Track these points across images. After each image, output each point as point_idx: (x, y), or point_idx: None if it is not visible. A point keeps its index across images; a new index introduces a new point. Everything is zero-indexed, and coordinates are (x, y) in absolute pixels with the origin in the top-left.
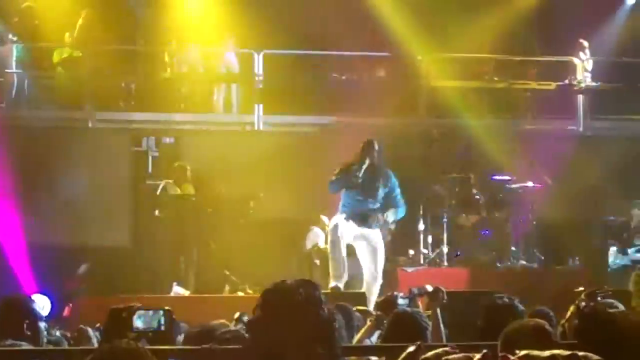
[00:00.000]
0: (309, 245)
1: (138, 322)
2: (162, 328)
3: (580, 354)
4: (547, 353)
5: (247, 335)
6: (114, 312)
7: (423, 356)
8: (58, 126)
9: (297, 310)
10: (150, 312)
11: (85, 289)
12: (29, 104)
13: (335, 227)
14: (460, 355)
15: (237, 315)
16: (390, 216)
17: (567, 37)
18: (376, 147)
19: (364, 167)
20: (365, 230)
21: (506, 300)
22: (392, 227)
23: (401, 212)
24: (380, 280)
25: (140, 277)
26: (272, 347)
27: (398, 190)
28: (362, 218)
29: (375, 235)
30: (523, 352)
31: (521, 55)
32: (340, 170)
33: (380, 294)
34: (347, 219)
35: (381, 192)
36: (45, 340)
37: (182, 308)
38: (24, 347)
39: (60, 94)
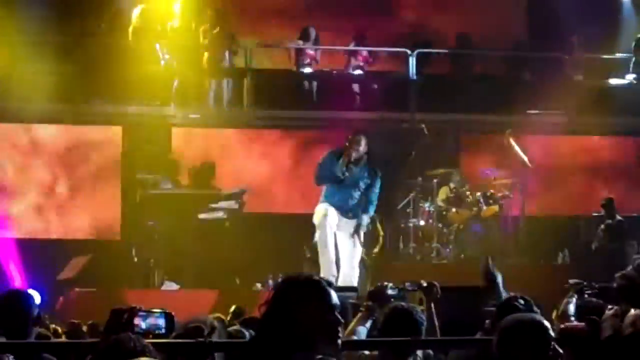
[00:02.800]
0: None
1: (140, 323)
2: (163, 331)
3: None
4: None
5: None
6: (115, 313)
7: None
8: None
9: (308, 305)
10: (152, 314)
11: (76, 282)
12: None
13: (324, 217)
14: None
15: (232, 308)
16: (365, 220)
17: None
18: (362, 140)
19: (349, 160)
20: (346, 221)
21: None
22: (365, 230)
23: (371, 209)
24: (357, 271)
25: (132, 271)
26: (279, 342)
27: (377, 190)
28: (344, 209)
29: (355, 226)
30: None
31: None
32: (324, 162)
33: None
34: (329, 207)
35: (362, 185)
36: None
37: (174, 303)
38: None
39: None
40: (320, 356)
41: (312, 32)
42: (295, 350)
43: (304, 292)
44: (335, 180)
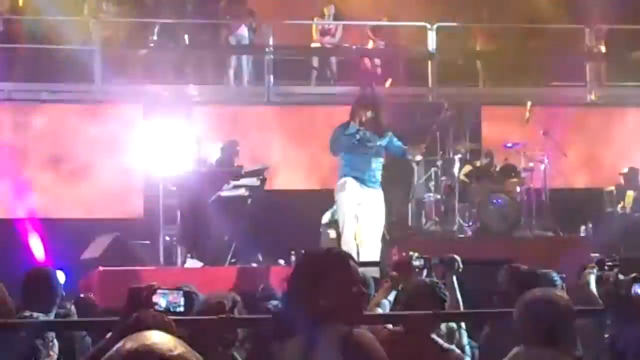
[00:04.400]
0: (325, 219)
1: (159, 301)
2: (181, 309)
3: None
4: None
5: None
6: (133, 292)
7: None
8: (69, 99)
9: (331, 278)
10: (170, 292)
11: (100, 261)
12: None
13: (343, 192)
14: None
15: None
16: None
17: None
18: (368, 102)
19: (360, 122)
20: (369, 194)
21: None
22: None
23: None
24: (380, 245)
25: (155, 249)
26: (304, 315)
27: (395, 139)
28: (365, 178)
29: (377, 199)
30: None
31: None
32: (336, 130)
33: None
34: (350, 180)
35: (379, 150)
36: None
37: (197, 280)
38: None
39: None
40: (345, 328)
41: (332, 9)
42: (319, 322)
43: (327, 265)
44: (350, 145)
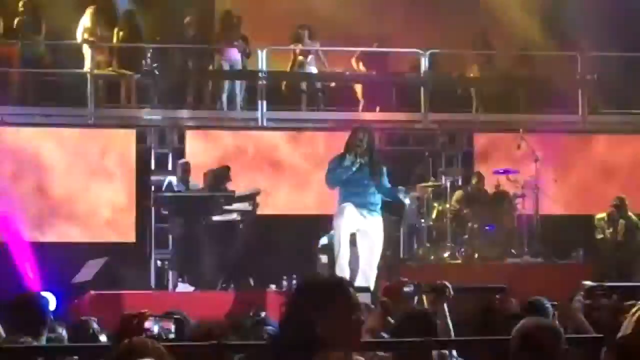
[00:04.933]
0: (320, 243)
1: (151, 327)
2: (173, 335)
3: None
4: None
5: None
6: (125, 319)
7: None
8: (59, 123)
9: (331, 305)
10: (163, 319)
11: (91, 285)
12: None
13: (341, 218)
14: None
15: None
16: (401, 194)
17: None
18: (363, 135)
19: (356, 154)
20: (367, 220)
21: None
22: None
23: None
24: (375, 272)
25: (147, 273)
26: (302, 341)
27: (387, 182)
28: (365, 204)
29: (376, 226)
30: None
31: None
32: (333, 162)
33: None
34: (349, 206)
35: (375, 179)
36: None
37: (189, 305)
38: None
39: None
40: (340, 355)
41: (305, 33)
42: (316, 348)
43: (327, 291)
44: (347, 177)
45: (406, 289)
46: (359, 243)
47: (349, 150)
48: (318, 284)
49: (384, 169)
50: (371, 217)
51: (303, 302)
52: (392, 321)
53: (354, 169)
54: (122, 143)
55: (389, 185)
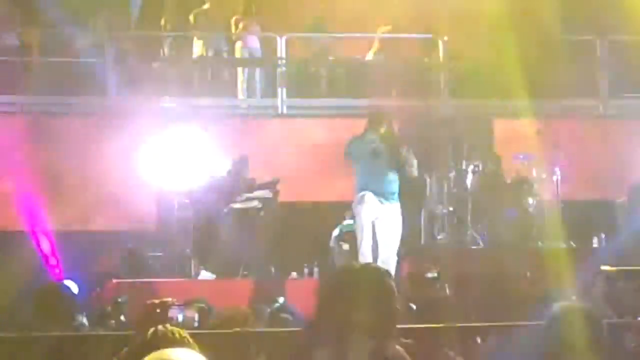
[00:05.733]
0: (335, 232)
1: (175, 316)
2: (196, 324)
3: None
4: None
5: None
6: (148, 308)
7: None
8: (83, 112)
9: (366, 292)
10: (186, 307)
11: (114, 273)
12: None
13: (360, 205)
14: None
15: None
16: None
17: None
18: (383, 119)
19: (375, 138)
20: (385, 207)
21: None
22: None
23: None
24: (395, 259)
25: (168, 261)
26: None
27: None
28: (382, 192)
29: (395, 213)
30: None
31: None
32: (352, 138)
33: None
34: (368, 194)
35: (394, 164)
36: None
37: (210, 292)
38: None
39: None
40: (374, 342)
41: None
42: (349, 335)
43: (364, 280)
44: (365, 154)
45: (429, 275)
46: (378, 230)
47: (369, 129)
48: (353, 272)
49: (409, 155)
50: (389, 205)
51: (338, 291)
52: (414, 307)
53: (373, 145)
54: (142, 131)
55: (415, 174)
